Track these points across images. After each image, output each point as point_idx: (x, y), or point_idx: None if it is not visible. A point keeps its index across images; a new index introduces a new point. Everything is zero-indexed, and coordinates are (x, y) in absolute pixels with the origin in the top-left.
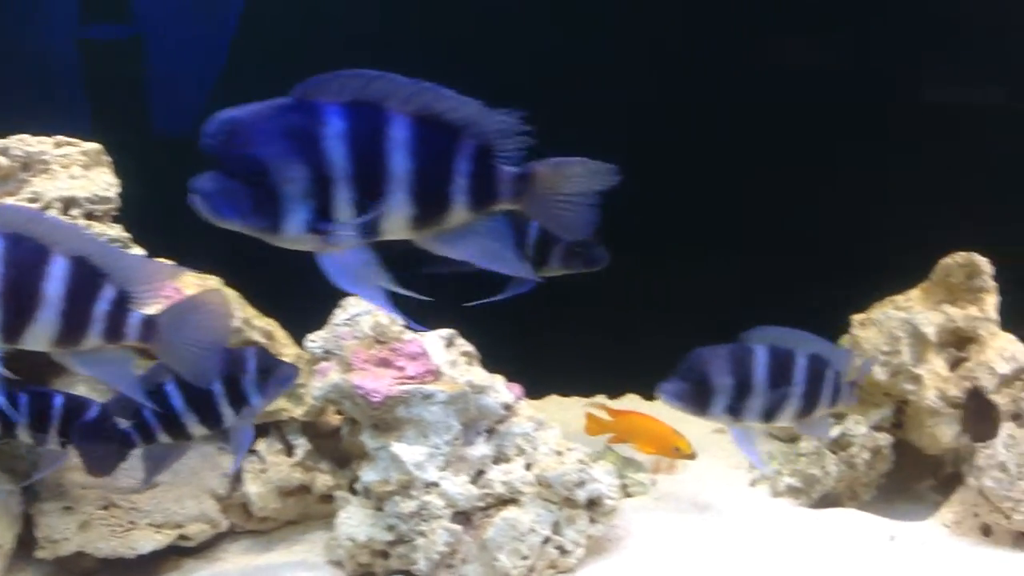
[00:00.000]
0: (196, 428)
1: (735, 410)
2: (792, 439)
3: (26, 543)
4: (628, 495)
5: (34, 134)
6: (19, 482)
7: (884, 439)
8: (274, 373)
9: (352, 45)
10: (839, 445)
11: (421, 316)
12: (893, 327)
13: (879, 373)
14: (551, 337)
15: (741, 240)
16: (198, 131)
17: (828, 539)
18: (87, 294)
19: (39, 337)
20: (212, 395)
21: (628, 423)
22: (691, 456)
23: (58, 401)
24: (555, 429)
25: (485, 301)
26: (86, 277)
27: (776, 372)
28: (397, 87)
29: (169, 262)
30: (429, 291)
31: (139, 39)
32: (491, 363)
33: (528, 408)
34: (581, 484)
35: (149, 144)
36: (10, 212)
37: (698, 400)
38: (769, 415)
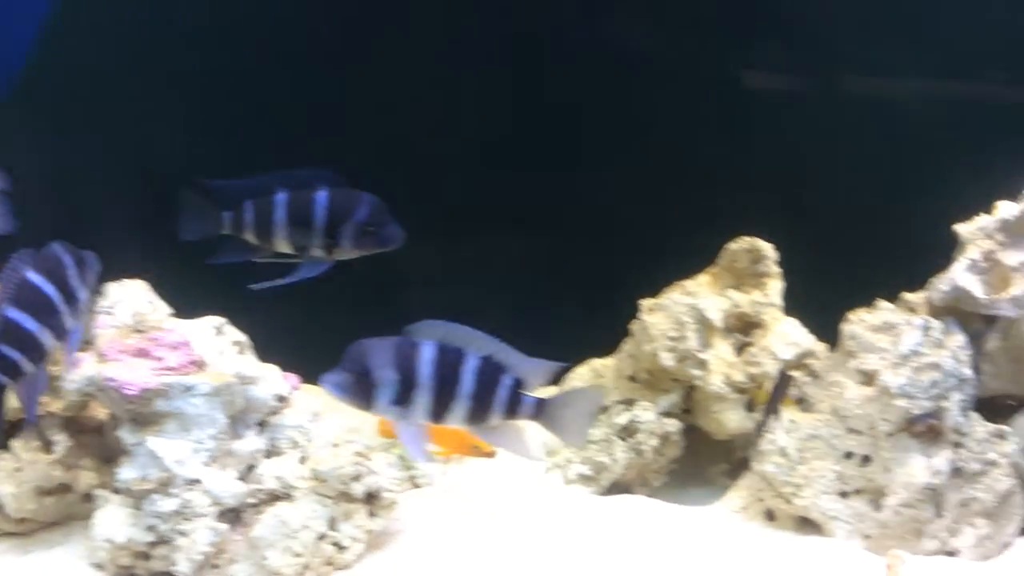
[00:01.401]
0: (50, 341)
1: (399, 406)
2: None
3: None
4: (416, 486)
5: None
6: None
7: (673, 425)
8: (85, 261)
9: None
10: (627, 432)
11: (226, 306)
12: (680, 312)
13: (667, 359)
14: (347, 324)
15: (539, 223)
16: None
17: (612, 527)
18: None
19: None
20: (53, 303)
21: None
22: (491, 454)
23: None
24: (332, 420)
25: (272, 284)
26: None
27: (442, 370)
28: None
29: None
30: None
31: None
32: (284, 352)
33: (306, 399)
34: (358, 477)
35: None
36: None
37: (360, 393)
38: (436, 414)
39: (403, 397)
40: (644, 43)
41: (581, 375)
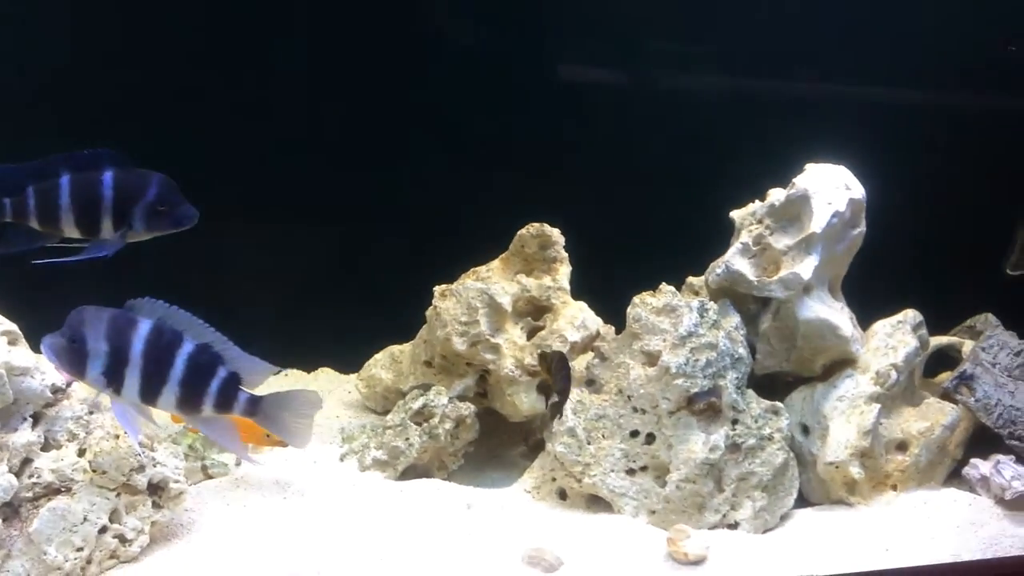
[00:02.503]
0: None
1: (111, 380)
2: (384, 411)
3: None
4: (209, 476)
5: None
6: None
7: (467, 409)
8: None
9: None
10: (422, 416)
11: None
12: (471, 297)
13: (459, 343)
14: None
15: (344, 214)
16: None
17: (405, 511)
18: None
19: None
20: None
21: None
22: (283, 443)
23: None
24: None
25: (55, 261)
26: None
27: (154, 350)
28: None
29: None
30: None
31: None
32: None
33: (84, 390)
34: (141, 469)
35: None
36: None
37: (73, 360)
38: (146, 394)
39: (114, 371)
40: (446, 34)
41: (379, 361)
